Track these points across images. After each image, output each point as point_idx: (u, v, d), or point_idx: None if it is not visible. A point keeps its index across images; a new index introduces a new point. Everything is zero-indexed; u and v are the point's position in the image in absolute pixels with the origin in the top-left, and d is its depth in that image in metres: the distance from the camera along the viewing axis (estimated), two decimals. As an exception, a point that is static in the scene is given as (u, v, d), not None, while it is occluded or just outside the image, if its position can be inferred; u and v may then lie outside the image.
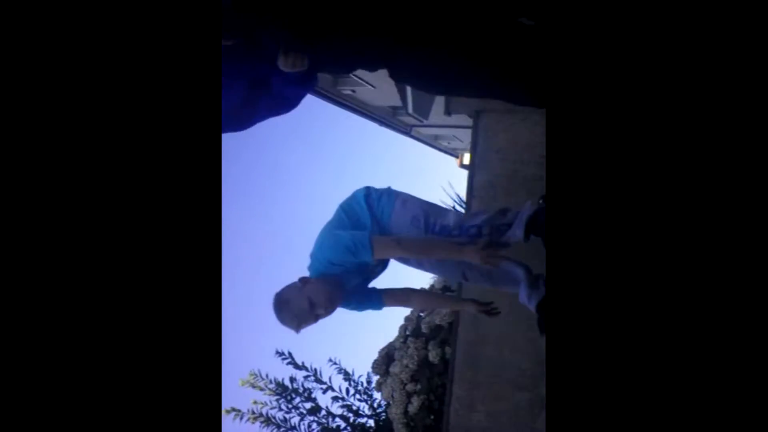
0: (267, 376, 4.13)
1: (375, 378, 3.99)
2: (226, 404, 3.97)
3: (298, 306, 1.76)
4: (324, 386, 4.09)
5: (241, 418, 3.99)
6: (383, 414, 3.96)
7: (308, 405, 4.06)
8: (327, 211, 2.32)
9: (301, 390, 4.09)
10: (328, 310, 1.78)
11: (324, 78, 7.81)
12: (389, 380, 3.57)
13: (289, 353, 4.11)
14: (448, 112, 3.23)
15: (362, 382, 4.15)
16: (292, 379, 4.12)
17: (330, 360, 4.14)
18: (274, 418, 4.00)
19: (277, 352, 4.11)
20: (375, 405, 4.09)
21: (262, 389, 4.09)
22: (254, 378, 4.12)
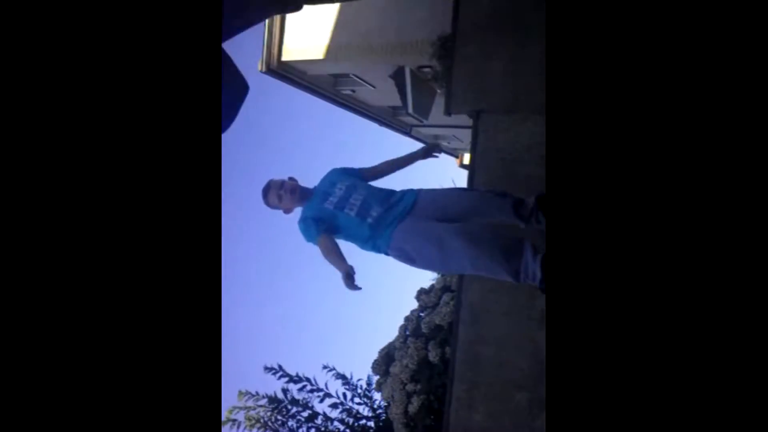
0: (257, 393, 3.95)
1: (375, 378, 3.98)
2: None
3: (275, 194, 2.36)
4: (321, 394, 3.96)
5: (238, 428, 3.84)
6: (383, 415, 3.94)
7: (305, 413, 3.91)
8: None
9: (298, 400, 3.93)
10: (287, 207, 2.36)
11: (324, 78, 7.82)
12: (389, 380, 3.57)
13: (279, 366, 3.93)
14: (448, 112, 3.21)
15: (361, 385, 4.12)
16: (285, 391, 3.95)
17: (325, 366, 4.03)
18: (272, 424, 3.91)
19: (266, 368, 3.92)
20: (375, 406, 4.07)
21: (254, 408, 3.91)
22: (244, 397, 3.92)
